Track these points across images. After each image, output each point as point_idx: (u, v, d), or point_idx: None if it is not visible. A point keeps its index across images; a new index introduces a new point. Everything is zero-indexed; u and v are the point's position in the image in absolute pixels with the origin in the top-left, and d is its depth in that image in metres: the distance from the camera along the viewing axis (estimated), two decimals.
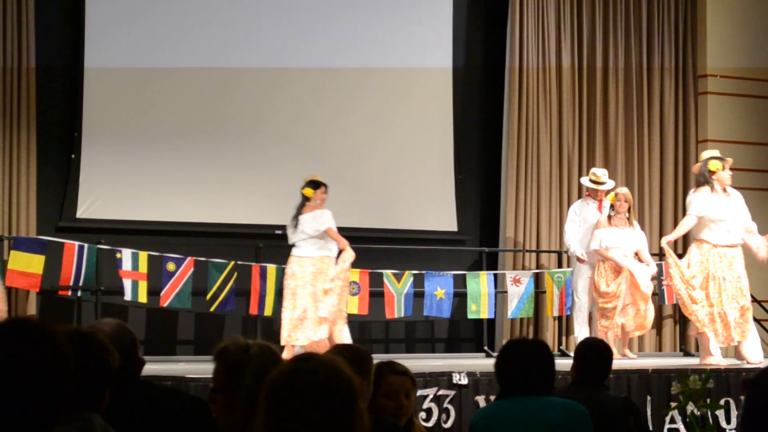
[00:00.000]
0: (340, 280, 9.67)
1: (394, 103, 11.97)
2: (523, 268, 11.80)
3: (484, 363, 9.27)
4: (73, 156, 10.64)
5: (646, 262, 10.42)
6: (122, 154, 10.74)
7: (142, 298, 9.84)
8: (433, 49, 12.16)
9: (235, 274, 10.19)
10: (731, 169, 9.55)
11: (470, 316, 11.08)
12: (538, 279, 11.58)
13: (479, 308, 11.01)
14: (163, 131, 10.99)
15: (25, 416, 1.94)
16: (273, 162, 11.29)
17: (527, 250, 12.02)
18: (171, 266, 9.94)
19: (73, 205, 10.58)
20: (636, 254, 10.42)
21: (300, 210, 9.78)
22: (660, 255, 10.80)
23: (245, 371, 2.96)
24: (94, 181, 10.65)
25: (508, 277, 11.30)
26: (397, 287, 10.70)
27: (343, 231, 9.81)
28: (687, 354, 12.02)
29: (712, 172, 9.41)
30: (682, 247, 11.53)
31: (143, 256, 9.84)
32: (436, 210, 12.03)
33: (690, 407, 6.52)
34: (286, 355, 8.53)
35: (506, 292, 11.28)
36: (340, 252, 9.74)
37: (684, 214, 9.86)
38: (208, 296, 10.13)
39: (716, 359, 9.42)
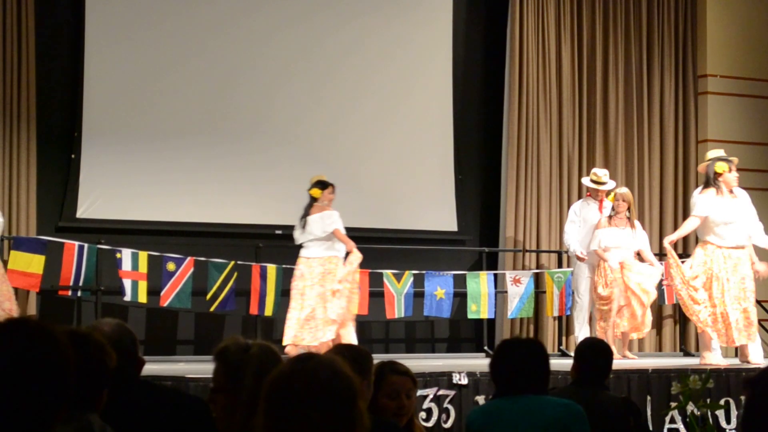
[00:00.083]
0: (348, 282, 9.68)
1: (394, 103, 11.96)
2: (523, 268, 11.80)
3: (484, 363, 9.20)
4: (73, 156, 10.64)
5: (650, 262, 10.38)
6: (122, 154, 10.74)
7: (142, 298, 9.84)
8: (433, 49, 12.15)
9: (235, 274, 10.19)
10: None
11: (470, 316, 11.08)
12: (538, 279, 11.57)
13: (479, 308, 11.00)
14: (163, 131, 10.99)
15: (26, 416, 1.93)
16: (273, 162, 11.29)
17: (527, 250, 12.01)
18: (171, 266, 9.93)
19: (73, 205, 10.58)
20: (638, 255, 10.40)
21: (308, 211, 9.78)
22: (661, 255, 10.79)
23: (245, 371, 2.96)
24: (94, 181, 10.65)
25: (508, 277, 11.30)
26: (397, 287, 10.70)
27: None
28: (687, 354, 12.02)
29: (719, 174, 9.29)
30: (682, 247, 11.52)
31: (143, 256, 9.84)
32: (436, 210, 12.02)
33: (690, 407, 6.53)
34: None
35: (506, 292, 11.27)
36: (348, 253, 9.75)
37: (685, 213, 9.83)
38: (208, 296, 10.13)
39: (716, 357, 9.40)
